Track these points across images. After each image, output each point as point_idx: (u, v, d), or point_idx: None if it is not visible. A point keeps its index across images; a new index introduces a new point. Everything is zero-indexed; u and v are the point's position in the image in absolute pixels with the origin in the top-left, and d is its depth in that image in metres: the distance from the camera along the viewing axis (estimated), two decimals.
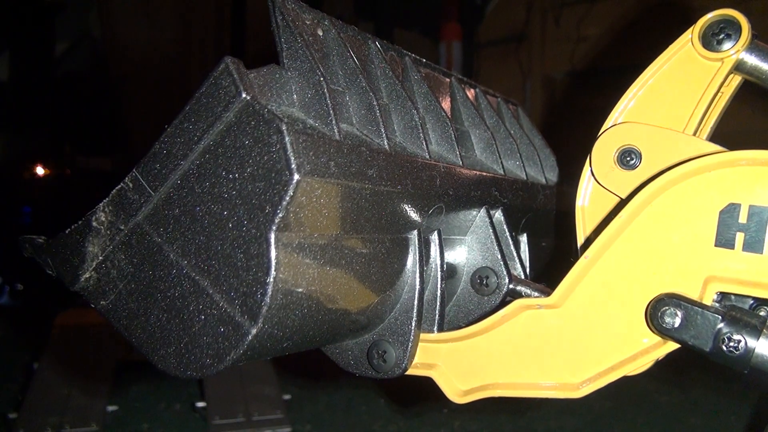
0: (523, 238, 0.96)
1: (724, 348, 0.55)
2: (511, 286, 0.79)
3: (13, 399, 1.84)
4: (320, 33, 0.66)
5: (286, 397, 1.86)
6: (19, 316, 3.00)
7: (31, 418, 1.64)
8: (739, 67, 0.70)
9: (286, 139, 0.51)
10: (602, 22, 3.54)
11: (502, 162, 0.91)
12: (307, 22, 0.65)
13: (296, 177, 0.51)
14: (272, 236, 0.52)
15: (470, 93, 0.96)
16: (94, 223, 0.60)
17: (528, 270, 0.93)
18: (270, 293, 0.52)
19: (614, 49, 3.47)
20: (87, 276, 0.61)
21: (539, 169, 1.05)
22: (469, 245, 0.81)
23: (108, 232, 0.60)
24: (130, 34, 5.03)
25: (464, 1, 4.05)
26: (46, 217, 3.57)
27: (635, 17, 3.41)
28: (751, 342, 0.55)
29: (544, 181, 1.04)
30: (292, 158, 0.51)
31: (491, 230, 0.80)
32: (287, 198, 0.51)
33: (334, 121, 0.59)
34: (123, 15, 5.09)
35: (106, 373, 1.91)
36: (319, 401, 1.98)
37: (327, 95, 0.59)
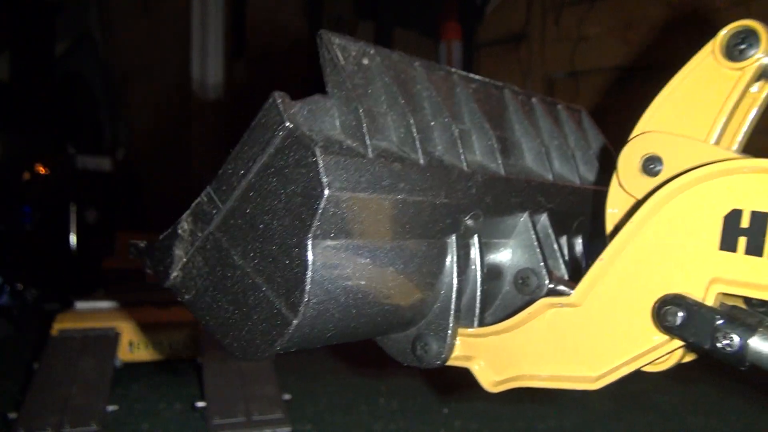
0: (578, 240, 1.01)
1: (719, 345, 0.59)
2: (551, 286, 0.85)
3: (13, 399, 1.84)
4: (365, 62, 0.74)
5: (286, 397, 1.85)
6: (19, 316, 3.00)
7: (31, 418, 1.64)
8: (766, 75, 0.72)
9: (319, 159, 0.61)
10: (602, 22, 3.54)
11: (552, 168, 0.95)
12: (353, 53, 0.73)
13: (326, 192, 0.61)
14: (309, 242, 0.62)
15: (525, 103, 1.00)
16: (179, 231, 0.73)
17: (584, 270, 0.96)
18: (307, 290, 0.62)
19: (614, 49, 3.47)
20: (175, 275, 0.74)
21: (596, 173, 1.07)
22: (512, 248, 0.88)
23: (189, 238, 0.72)
24: (130, 34, 5.03)
25: (464, 0, 4.05)
26: (46, 217, 3.57)
27: (635, 17, 3.41)
28: (746, 339, 0.58)
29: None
30: (323, 176, 0.61)
31: (533, 234, 0.86)
32: (320, 210, 0.61)
33: (368, 141, 0.67)
34: (123, 15, 5.09)
35: (106, 373, 1.91)
36: (319, 401, 1.98)
37: (362, 118, 0.68)
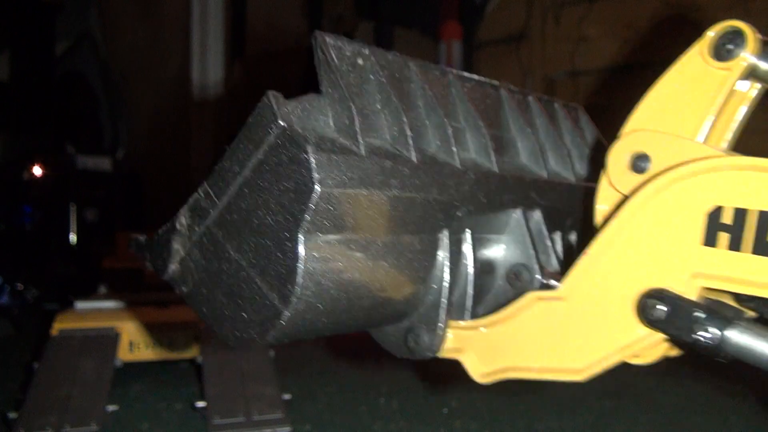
0: (573, 236, 1.03)
1: (699, 338, 0.61)
2: (543, 280, 0.86)
3: (13, 399, 1.84)
4: (360, 62, 0.75)
5: (286, 397, 1.85)
6: (19, 316, 3.00)
7: (31, 417, 1.64)
8: (754, 74, 0.73)
9: (311, 157, 0.62)
10: (602, 22, 3.54)
11: (546, 166, 0.97)
12: (348, 54, 0.75)
13: (318, 188, 0.62)
14: (300, 237, 0.64)
15: (521, 101, 1.02)
16: (177, 226, 0.75)
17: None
18: (299, 283, 0.64)
19: (614, 49, 3.47)
20: (173, 268, 0.76)
21: (592, 170, 1.08)
22: (506, 243, 0.90)
23: (187, 232, 0.74)
24: (130, 34, 5.03)
25: (464, 0, 4.05)
26: (46, 217, 3.57)
27: (635, 17, 3.41)
28: (723, 331, 0.60)
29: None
30: (315, 173, 0.62)
31: (526, 230, 0.88)
32: (312, 205, 0.63)
33: (360, 139, 0.69)
34: (123, 15, 5.09)
35: (106, 373, 1.91)
36: (319, 401, 1.98)
37: (355, 117, 0.69)
